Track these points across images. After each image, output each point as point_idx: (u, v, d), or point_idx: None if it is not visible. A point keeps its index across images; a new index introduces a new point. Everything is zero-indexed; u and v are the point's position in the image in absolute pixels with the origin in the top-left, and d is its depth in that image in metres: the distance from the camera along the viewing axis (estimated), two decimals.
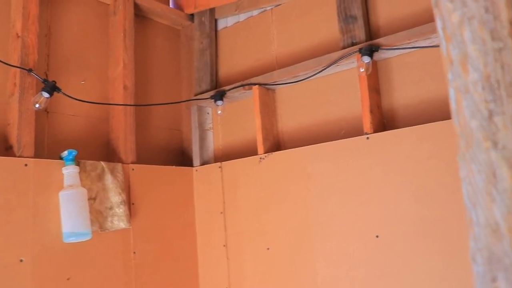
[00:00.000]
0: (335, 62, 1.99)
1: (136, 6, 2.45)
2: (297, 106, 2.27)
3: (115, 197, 2.06)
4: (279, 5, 2.43)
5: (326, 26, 2.19)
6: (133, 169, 2.22)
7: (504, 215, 0.61)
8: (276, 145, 2.30)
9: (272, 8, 2.46)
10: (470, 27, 0.65)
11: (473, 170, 0.64)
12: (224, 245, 2.34)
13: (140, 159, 2.32)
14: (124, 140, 2.23)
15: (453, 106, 0.66)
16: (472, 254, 0.63)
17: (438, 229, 1.66)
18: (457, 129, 0.66)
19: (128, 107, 2.28)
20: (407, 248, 1.74)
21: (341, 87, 2.10)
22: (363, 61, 1.85)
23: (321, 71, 2.06)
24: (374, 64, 1.96)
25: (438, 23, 0.69)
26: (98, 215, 2.00)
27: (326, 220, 1.97)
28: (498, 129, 0.62)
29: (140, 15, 2.55)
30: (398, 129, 1.80)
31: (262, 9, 2.51)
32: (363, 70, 1.85)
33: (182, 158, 2.68)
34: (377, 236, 1.81)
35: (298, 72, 2.14)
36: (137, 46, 2.46)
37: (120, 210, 2.06)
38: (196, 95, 2.61)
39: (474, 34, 0.65)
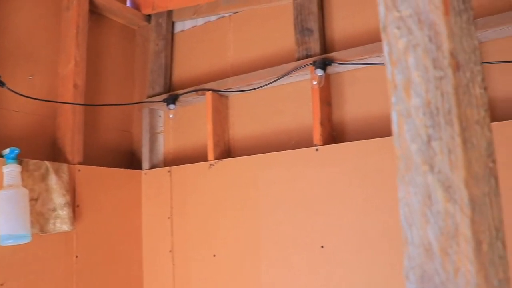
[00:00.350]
0: (289, 73, 2.02)
1: (91, 3, 2.39)
2: (250, 114, 2.28)
3: (59, 199, 2.00)
4: (238, 12, 2.43)
5: (283, 37, 2.22)
6: (79, 170, 2.16)
7: (437, 236, 0.64)
8: (226, 152, 2.30)
9: (230, 15, 2.47)
10: (415, 54, 0.68)
11: (410, 192, 0.66)
12: (170, 251, 2.32)
13: (87, 160, 2.26)
14: (71, 140, 2.17)
15: (395, 129, 0.68)
16: (405, 272, 0.65)
17: (381, 243, 1.71)
18: (397, 152, 0.69)
19: (77, 106, 2.22)
20: (350, 260, 1.78)
21: (294, 97, 2.13)
22: (316, 74, 1.89)
23: (274, 81, 2.08)
24: (327, 77, 2.00)
25: (385, 48, 0.71)
26: (39, 217, 1.93)
27: (273, 229, 1.99)
28: (435, 154, 0.65)
29: (95, 11, 2.50)
30: (346, 143, 1.85)
31: (220, 15, 2.51)
32: (315, 82, 1.89)
33: (131, 161, 2.64)
34: (322, 247, 1.84)
35: (252, 80, 2.15)
36: (90, 43, 2.40)
37: (64, 212, 2.00)
38: (148, 97, 2.58)
39: (418, 61, 0.68)
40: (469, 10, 0.70)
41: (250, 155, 2.12)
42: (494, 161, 0.67)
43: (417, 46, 0.68)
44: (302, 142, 2.04)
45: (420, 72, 0.67)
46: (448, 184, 0.64)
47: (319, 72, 1.88)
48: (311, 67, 1.94)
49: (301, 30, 2.08)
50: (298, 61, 2.02)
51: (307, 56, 2.02)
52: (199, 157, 2.38)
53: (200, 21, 2.61)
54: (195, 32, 2.61)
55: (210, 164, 2.21)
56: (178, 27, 2.70)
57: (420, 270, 0.65)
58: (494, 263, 0.63)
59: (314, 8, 2.06)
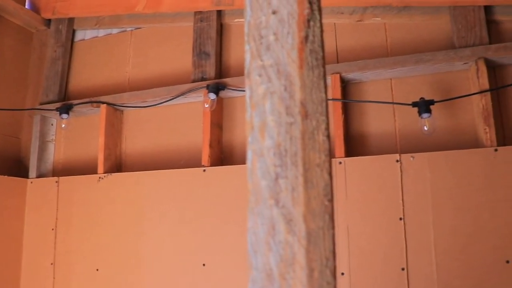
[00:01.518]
0: (183, 93, 2.08)
1: None
2: (143, 130, 2.30)
3: None
4: (140, 28, 2.46)
5: (181, 58, 2.27)
6: None
7: (278, 262, 0.72)
8: (117, 166, 2.30)
9: (132, 30, 2.48)
10: (271, 100, 0.77)
11: (257, 223, 0.74)
12: (51, 264, 2.25)
13: None
14: None
15: (249, 166, 0.76)
16: None
17: None
18: (249, 186, 0.77)
19: None
20: (230, 278, 1.86)
21: (187, 118, 2.19)
22: (209, 97, 1.97)
23: (169, 100, 2.13)
24: (220, 101, 2.08)
25: (247, 92, 0.79)
26: None
27: (157, 245, 2.02)
28: (281, 190, 0.74)
29: None
30: (232, 165, 1.94)
31: (122, 29, 2.51)
32: (207, 106, 1.96)
33: (18, 168, 2.53)
34: (203, 265, 1.91)
35: (147, 97, 2.18)
36: None
37: None
38: (41, 104, 2.50)
39: (273, 107, 0.77)
40: (320, 67, 0.81)
41: (141, 171, 2.13)
42: (329, 200, 0.77)
43: (274, 94, 0.77)
44: (191, 161, 2.10)
45: (274, 117, 0.76)
46: (289, 218, 0.73)
47: (212, 96, 1.96)
48: (204, 90, 2.02)
49: (199, 53, 2.15)
50: (193, 83, 2.09)
51: (202, 79, 2.10)
52: (89, 169, 2.35)
53: (101, 32, 2.59)
54: (95, 43, 2.58)
55: (99, 177, 2.19)
56: (79, 35, 2.66)
57: None
58: None
59: (213, 33, 2.15)
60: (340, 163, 1.84)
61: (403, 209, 1.75)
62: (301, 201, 0.72)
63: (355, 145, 1.95)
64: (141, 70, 2.39)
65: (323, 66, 0.83)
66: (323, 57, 0.83)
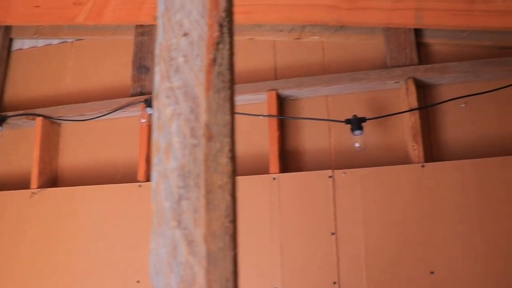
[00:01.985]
0: (121, 107, 2.06)
1: None
2: (81, 144, 2.26)
3: None
4: (81, 39, 2.42)
5: (121, 71, 2.26)
6: None
7: (178, 283, 0.73)
8: (52, 180, 2.24)
9: (73, 41, 2.44)
10: (178, 122, 0.78)
11: (160, 244, 0.75)
12: None
13: None
14: None
15: (153, 187, 0.77)
16: None
17: None
18: (153, 207, 0.77)
19: None
20: None
21: (125, 132, 2.17)
22: (146, 112, 1.96)
23: (107, 114, 2.10)
24: None
25: (155, 114, 0.80)
26: None
27: (91, 262, 1.97)
28: (183, 212, 0.75)
29: None
30: None
31: (63, 40, 2.47)
32: (144, 120, 1.95)
33: None
34: (138, 281, 1.88)
35: (85, 111, 2.15)
36: None
37: None
38: None
39: (179, 129, 0.78)
40: (227, 89, 0.82)
41: (77, 185, 2.09)
42: (231, 221, 0.78)
43: (180, 115, 0.78)
44: (128, 176, 2.08)
45: (180, 138, 0.77)
46: (191, 239, 0.74)
47: (149, 110, 1.95)
48: (142, 105, 2.01)
49: (139, 67, 2.15)
50: (131, 97, 2.08)
51: (141, 94, 2.09)
52: (23, 184, 2.27)
53: (41, 42, 2.54)
54: (34, 53, 2.53)
55: (32, 193, 2.13)
56: (17, 44, 2.59)
57: None
58: None
59: (154, 47, 2.14)
60: (274, 178, 1.86)
61: (335, 224, 1.79)
62: (203, 223, 0.73)
63: (291, 161, 1.98)
64: (81, 82, 2.35)
65: (231, 89, 0.85)
66: (231, 80, 0.85)
